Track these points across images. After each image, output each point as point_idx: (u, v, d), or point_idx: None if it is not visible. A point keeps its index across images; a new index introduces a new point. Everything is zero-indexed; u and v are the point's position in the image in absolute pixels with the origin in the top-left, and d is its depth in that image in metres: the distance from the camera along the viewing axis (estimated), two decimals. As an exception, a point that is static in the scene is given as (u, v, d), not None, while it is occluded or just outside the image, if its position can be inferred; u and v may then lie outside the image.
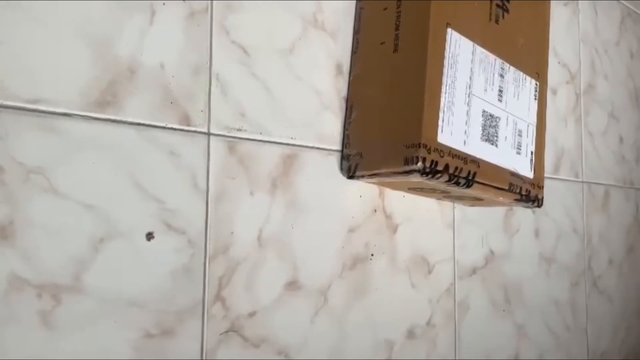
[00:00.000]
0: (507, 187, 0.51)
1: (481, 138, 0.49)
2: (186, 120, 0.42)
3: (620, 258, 0.92)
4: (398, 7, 0.47)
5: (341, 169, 0.51)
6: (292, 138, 0.49)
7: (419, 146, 0.43)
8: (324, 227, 0.50)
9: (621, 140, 0.94)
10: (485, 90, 0.50)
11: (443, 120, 0.45)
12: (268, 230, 0.46)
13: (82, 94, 0.37)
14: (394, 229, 0.57)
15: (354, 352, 0.52)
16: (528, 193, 0.54)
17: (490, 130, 0.50)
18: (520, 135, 0.53)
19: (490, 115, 0.50)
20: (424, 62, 0.43)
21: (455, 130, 0.46)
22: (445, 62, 0.45)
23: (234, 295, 0.44)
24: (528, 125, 0.54)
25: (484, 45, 0.49)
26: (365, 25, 0.52)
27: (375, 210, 0.55)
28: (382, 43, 0.48)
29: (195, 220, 0.42)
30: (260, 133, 0.47)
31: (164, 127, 0.41)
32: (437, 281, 0.61)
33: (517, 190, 0.52)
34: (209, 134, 0.43)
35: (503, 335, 0.69)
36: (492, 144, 0.50)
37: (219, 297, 0.43)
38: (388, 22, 0.48)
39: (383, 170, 0.46)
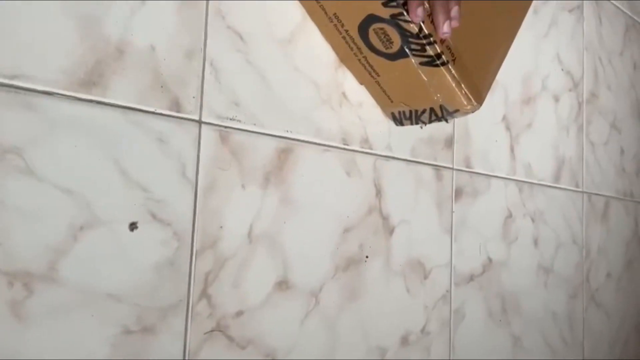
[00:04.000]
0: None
1: None
2: (177, 106, 0.40)
3: (619, 272, 0.90)
4: None
5: None
6: (287, 131, 0.47)
7: None
8: (318, 225, 0.48)
9: (622, 151, 0.93)
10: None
11: None
12: (259, 226, 0.44)
13: (66, 73, 0.35)
14: (390, 231, 0.54)
15: (345, 357, 0.50)
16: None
17: None
18: None
19: None
20: None
21: None
22: None
23: (221, 293, 0.42)
24: None
25: None
26: None
27: (371, 211, 0.53)
28: None
29: (183, 211, 0.40)
30: (254, 124, 0.44)
31: (152, 112, 0.39)
32: (433, 287, 0.59)
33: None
34: (200, 122, 0.41)
35: (498, 346, 0.67)
36: None
37: (204, 294, 0.41)
38: None
39: None
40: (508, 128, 0.69)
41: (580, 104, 0.83)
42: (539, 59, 0.75)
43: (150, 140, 0.39)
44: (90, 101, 0.36)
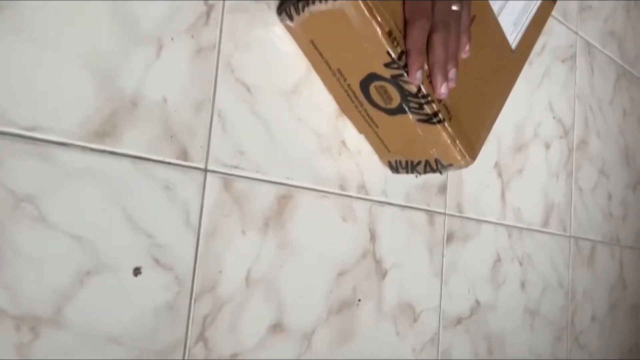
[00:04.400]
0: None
1: None
2: (184, 155, 0.42)
3: (603, 315, 0.92)
4: None
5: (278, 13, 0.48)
6: (288, 178, 0.48)
7: None
8: (313, 269, 0.50)
9: (610, 197, 0.95)
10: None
11: None
12: (256, 271, 0.46)
13: (82, 124, 0.36)
14: (383, 275, 0.56)
15: (333, 399, 0.51)
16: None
17: None
18: None
19: None
20: None
21: None
22: None
23: (217, 336, 0.43)
24: None
25: None
26: None
27: (365, 255, 0.55)
28: None
29: (185, 256, 0.41)
30: (257, 171, 0.46)
31: (161, 161, 0.40)
32: (422, 330, 0.60)
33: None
34: (205, 170, 0.43)
35: (483, 388, 0.68)
36: None
37: (201, 337, 0.42)
38: None
39: None
40: (500, 174, 0.72)
41: (570, 151, 0.85)
42: (532, 107, 0.77)
43: (158, 188, 0.40)
44: (103, 151, 0.37)
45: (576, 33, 0.87)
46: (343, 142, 0.53)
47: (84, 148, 0.37)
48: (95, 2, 0.37)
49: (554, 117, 0.82)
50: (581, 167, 0.88)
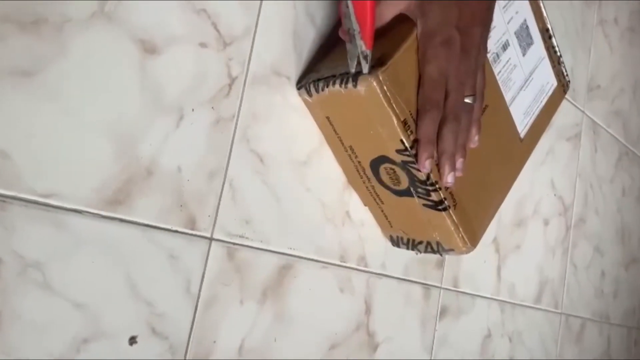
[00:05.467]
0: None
1: None
2: (192, 224, 0.42)
3: (587, 393, 0.92)
4: None
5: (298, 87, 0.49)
6: (290, 248, 0.49)
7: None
8: (307, 342, 0.50)
9: (603, 274, 0.96)
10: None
11: None
12: (250, 342, 0.46)
13: (97, 191, 0.37)
14: (374, 348, 0.56)
15: None
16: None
17: None
18: None
19: None
20: None
21: None
22: None
23: (205, 407, 0.43)
24: None
25: None
26: None
27: (359, 328, 0.55)
28: None
29: (181, 326, 0.41)
30: (261, 241, 0.47)
31: (169, 230, 0.41)
32: (407, 405, 0.60)
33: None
34: (211, 239, 0.43)
35: None
36: None
37: (189, 408, 0.42)
38: None
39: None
40: (497, 250, 0.72)
41: (568, 228, 0.86)
42: (534, 184, 0.78)
43: (163, 256, 0.40)
44: (114, 219, 0.38)
45: (583, 112, 0.89)
46: (347, 213, 0.54)
47: (96, 215, 0.37)
48: (126, 70, 0.38)
49: (555, 195, 0.83)
50: (577, 244, 0.89)
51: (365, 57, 0.42)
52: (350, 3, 0.41)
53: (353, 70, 0.43)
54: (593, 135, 0.92)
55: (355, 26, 0.41)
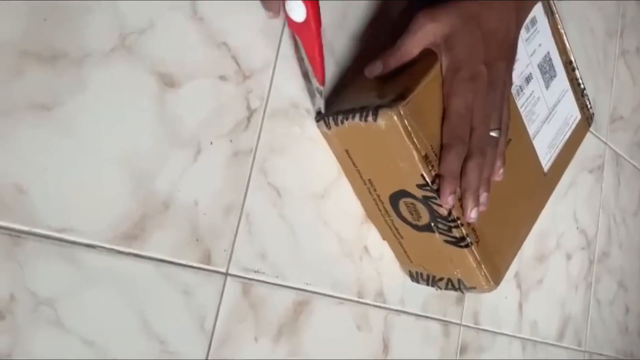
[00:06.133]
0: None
1: None
2: (207, 259, 0.41)
3: None
4: None
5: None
6: (307, 284, 0.48)
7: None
8: (322, 381, 0.48)
9: (627, 310, 0.93)
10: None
11: None
12: (265, 381, 0.44)
13: (112, 226, 0.36)
14: (390, 388, 0.54)
15: None
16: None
17: None
18: None
19: None
20: None
21: None
22: None
23: None
24: None
25: None
26: None
27: (376, 366, 0.53)
28: None
29: (194, 364, 0.40)
30: (277, 277, 0.46)
31: (184, 265, 0.40)
32: None
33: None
34: (226, 274, 0.42)
35: None
36: None
37: None
38: None
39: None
40: (519, 285, 0.70)
41: (591, 262, 0.84)
42: (556, 217, 0.76)
43: (177, 292, 0.39)
44: (129, 254, 0.37)
45: (605, 143, 0.87)
46: (365, 248, 0.52)
47: (110, 250, 0.36)
48: (145, 104, 0.38)
49: (577, 228, 0.80)
50: (601, 279, 0.86)
51: (320, 93, 0.44)
52: (300, 46, 0.43)
53: (316, 108, 0.46)
54: (616, 167, 0.90)
55: (308, 65, 0.43)
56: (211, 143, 0.41)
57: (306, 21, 0.40)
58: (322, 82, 0.43)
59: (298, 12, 0.40)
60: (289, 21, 0.42)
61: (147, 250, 0.38)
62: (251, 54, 0.43)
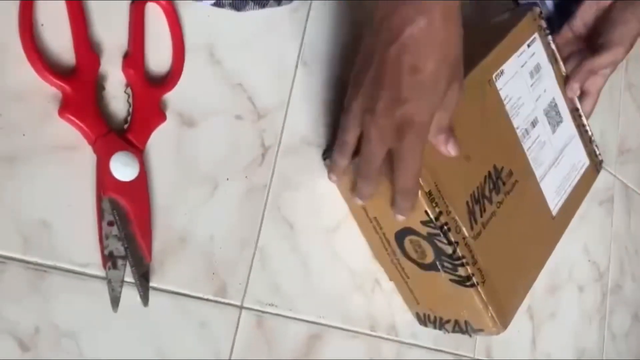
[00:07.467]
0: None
1: None
2: (222, 292, 0.42)
3: None
4: None
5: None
6: (320, 317, 0.48)
7: None
8: (335, 415, 0.48)
9: (643, 343, 0.91)
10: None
11: None
12: (278, 414, 0.45)
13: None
14: (404, 422, 0.54)
15: None
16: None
17: None
18: None
19: None
20: None
21: None
22: None
23: None
24: None
25: None
26: None
27: (389, 400, 0.53)
28: None
29: (209, 397, 0.41)
30: (290, 309, 0.46)
31: (200, 298, 0.41)
32: None
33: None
34: (241, 307, 0.43)
35: None
36: None
37: None
38: None
39: None
40: (532, 317, 0.70)
41: (604, 295, 0.83)
42: (567, 250, 0.76)
43: (193, 324, 0.40)
44: (148, 288, 0.38)
45: (614, 176, 0.88)
46: (377, 281, 0.53)
47: (129, 284, 0.37)
48: (164, 143, 0.40)
49: (589, 260, 0.80)
50: (615, 312, 0.85)
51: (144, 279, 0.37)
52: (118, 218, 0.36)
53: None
54: (626, 199, 0.90)
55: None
56: (227, 179, 0.43)
57: (138, 178, 0.37)
58: (150, 258, 0.38)
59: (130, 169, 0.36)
60: (109, 186, 0.36)
61: (164, 284, 0.39)
62: (266, 95, 0.45)
